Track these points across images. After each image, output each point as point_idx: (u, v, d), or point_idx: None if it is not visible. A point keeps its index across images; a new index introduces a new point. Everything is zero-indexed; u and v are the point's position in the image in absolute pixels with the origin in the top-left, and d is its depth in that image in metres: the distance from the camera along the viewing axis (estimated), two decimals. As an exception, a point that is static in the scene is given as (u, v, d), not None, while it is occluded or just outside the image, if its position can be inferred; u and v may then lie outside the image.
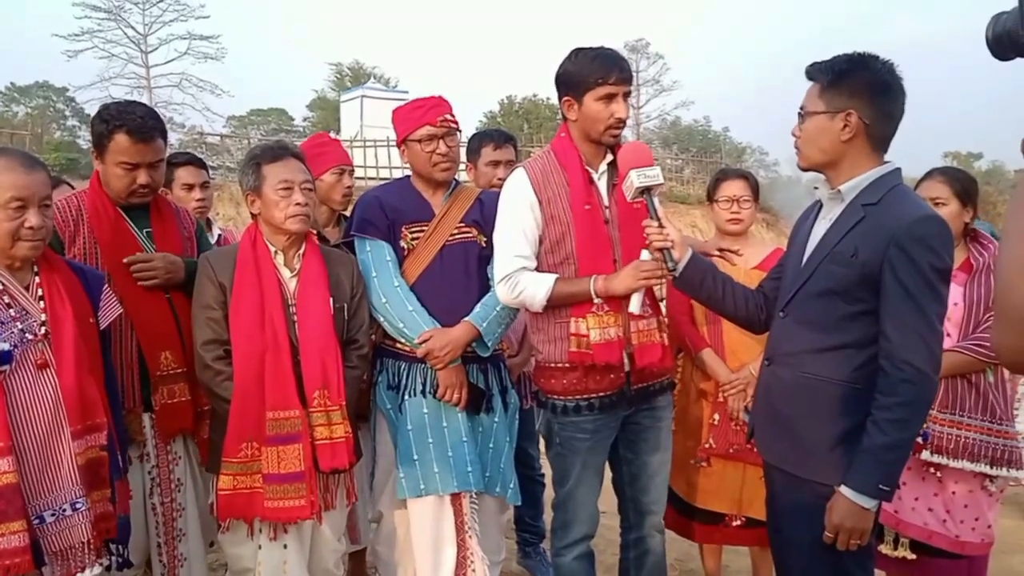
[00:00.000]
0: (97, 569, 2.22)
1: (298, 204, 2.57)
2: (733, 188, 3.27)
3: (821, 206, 2.28)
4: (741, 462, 3.11)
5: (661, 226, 2.35)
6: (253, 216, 2.69)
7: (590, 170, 2.66)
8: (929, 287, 1.97)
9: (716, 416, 3.18)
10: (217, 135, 29.54)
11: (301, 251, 2.68)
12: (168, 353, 2.66)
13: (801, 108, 2.18)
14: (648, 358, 2.61)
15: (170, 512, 2.73)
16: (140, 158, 2.63)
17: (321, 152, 3.13)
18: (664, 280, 2.58)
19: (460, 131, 2.97)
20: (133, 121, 2.60)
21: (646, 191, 2.40)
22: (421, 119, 2.88)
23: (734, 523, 3.20)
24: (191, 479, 2.79)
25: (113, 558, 2.31)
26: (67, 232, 2.60)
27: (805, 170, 2.24)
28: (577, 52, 2.62)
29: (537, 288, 2.59)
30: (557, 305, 2.62)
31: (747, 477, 3.11)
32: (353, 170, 3.35)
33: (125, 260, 2.63)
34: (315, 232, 3.02)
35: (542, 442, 3.35)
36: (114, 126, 2.60)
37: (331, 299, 2.64)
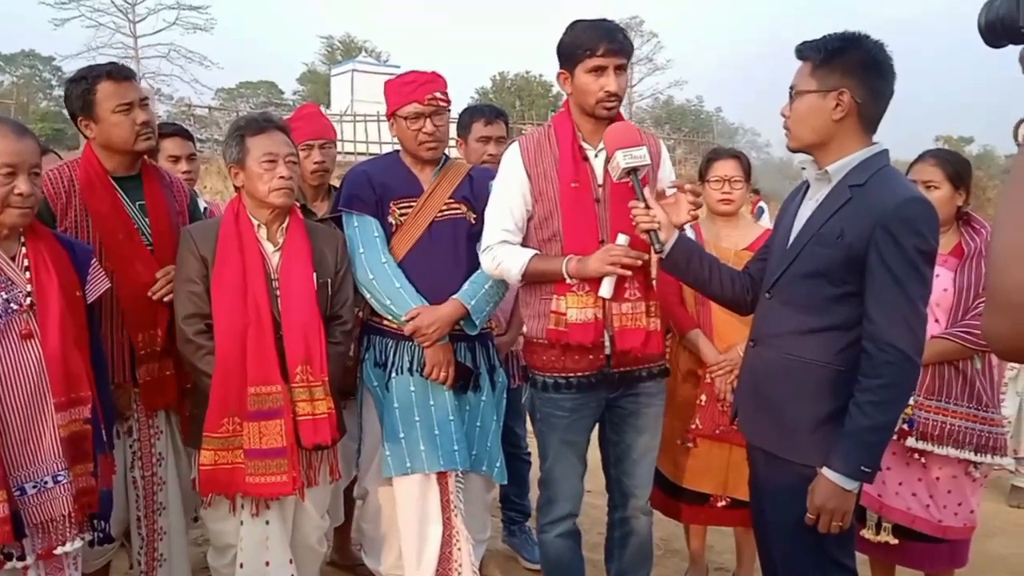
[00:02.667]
0: (78, 543, 2.21)
1: (282, 177, 2.54)
2: (725, 168, 3.25)
3: (808, 187, 2.26)
4: (727, 443, 3.12)
5: (648, 207, 2.33)
6: (236, 189, 2.65)
7: (587, 146, 2.62)
8: (914, 270, 1.96)
9: (703, 397, 3.18)
10: (205, 107, 29.33)
11: (284, 225, 2.65)
12: (148, 333, 2.64)
13: (791, 87, 2.15)
14: (629, 342, 2.57)
15: (151, 486, 2.73)
16: (132, 95, 2.64)
17: (293, 128, 3.08)
18: (643, 261, 2.55)
19: (450, 109, 2.92)
20: (107, 67, 2.68)
21: (632, 172, 2.37)
22: (409, 95, 2.83)
23: (719, 504, 3.21)
24: (173, 453, 2.79)
25: (95, 533, 2.30)
26: (59, 204, 2.58)
27: (795, 151, 2.21)
28: (575, 23, 2.58)
29: (513, 263, 2.58)
30: (533, 281, 2.61)
31: (733, 458, 3.12)
32: (328, 144, 3.29)
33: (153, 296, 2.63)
34: (300, 206, 2.98)
35: (529, 420, 3.35)
36: (93, 77, 2.62)
37: (315, 274, 2.62)
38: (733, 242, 3.21)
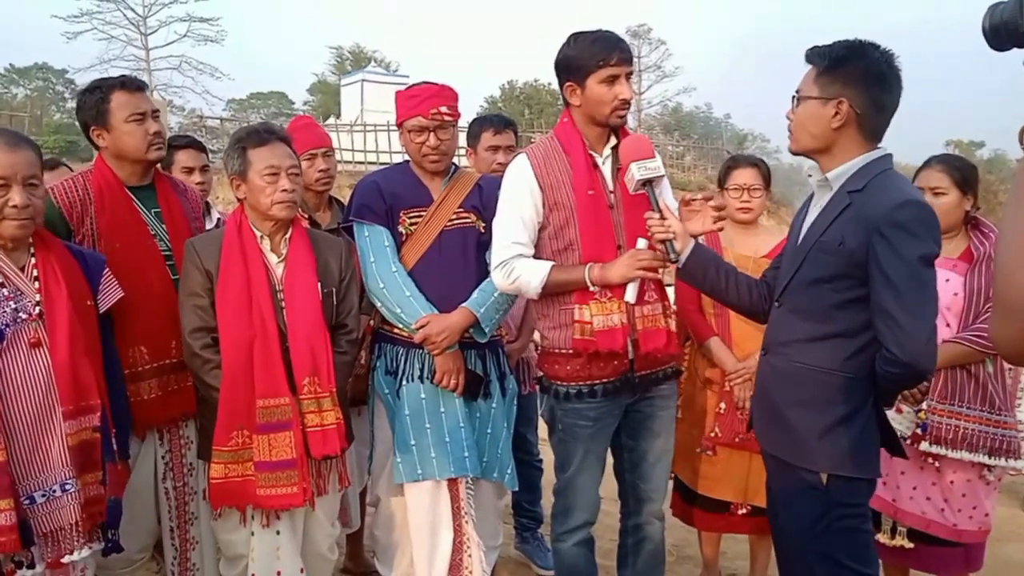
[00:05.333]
0: (86, 552, 2.21)
1: (284, 190, 2.54)
2: (744, 176, 3.24)
3: (815, 193, 2.28)
4: (747, 451, 3.10)
5: (663, 217, 2.34)
6: (239, 200, 2.66)
7: (594, 155, 2.64)
8: (912, 275, 1.96)
9: (722, 405, 3.17)
10: (217, 118, 29.44)
11: (288, 236, 2.64)
12: (163, 344, 2.66)
13: (796, 91, 2.17)
14: (652, 344, 2.59)
15: (182, 496, 2.75)
16: (145, 106, 2.69)
17: (294, 139, 3.10)
18: (662, 268, 2.57)
19: (456, 122, 2.91)
20: (120, 79, 2.72)
21: (647, 183, 2.39)
22: (414, 109, 2.83)
23: (740, 511, 3.20)
24: (202, 462, 2.79)
25: (105, 543, 2.30)
26: (75, 215, 2.59)
27: (795, 153, 2.24)
28: (576, 36, 2.59)
29: (532, 276, 2.58)
30: (553, 293, 2.61)
31: (753, 466, 3.10)
32: (330, 152, 3.31)
33: None
34: (306, 216, 2.98)
35: (540, 427, 3.35)
36: (107, 88, 2.66)
37: (319, 284, 2.62)
38: (752, 250, 3.20)
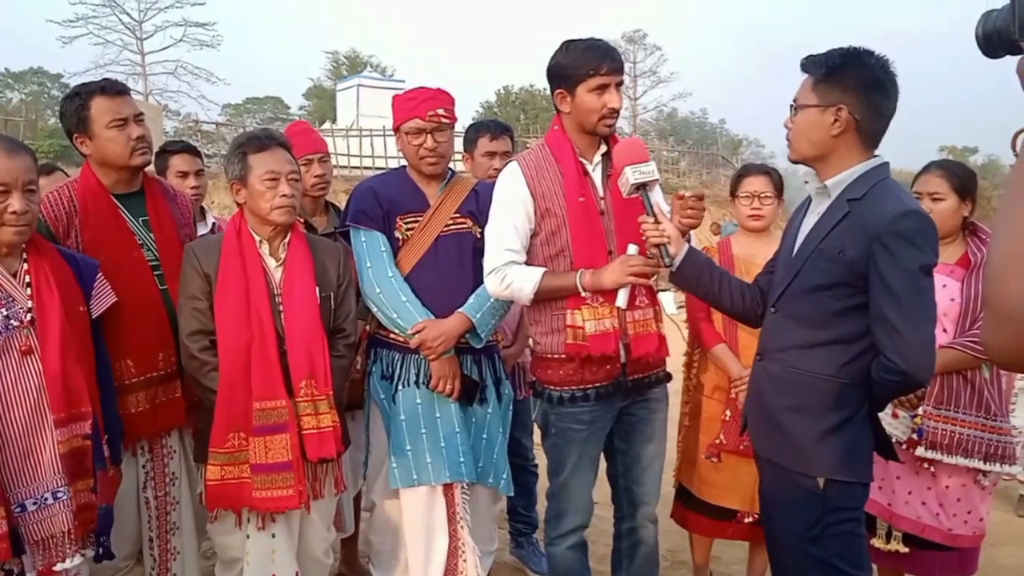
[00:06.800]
0: (78, 559, 2.20)
1: (284, 196, 2.54)
2: (755, 184, 3.25)
3: (811, 200, 2.28)
4: (754, 458, 3.10)
5: (657, 222, 2.35)
6: (239, 205, 2.66)
7: (584, 162, 2.65)
8: (913, 285, 1.97)
9: (728, 412, 3.16)
10: (212, 123, 29.36)
11: (286, 240, 2.65)
12: (149, 355, 2.64)
13: (794, 100, 2.17)
14: (644, 348, 2.61)
15: (163, 506, 2.72)
16: (126, 111, 2.64)
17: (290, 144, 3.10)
18: (655, 275, 2.57)
19: (453, 125, 2.93)
20: (100, 83, 2.67)
21: (642, 187, 2.40)
22: (411, 111, 2.85)
23: (746, 520, 3.19)
24: (185, 473, 2.78)
25: (96, 549, 2.29)
26: (60, 227, 2.56)
27: (795, 162, 2.24)
28: (568, 44, 2.61)
29: (525, 282, 2.59)
30: (544, 299, 2.62)
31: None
32: (326, 157, 3.32)
33: None
34: (302, 221, 2.99)
35: (535, 432, 3.35)
36: (87, 94, 2.62)
37: (317, 288, 2.62)
38: (763, 257, 3.20)
